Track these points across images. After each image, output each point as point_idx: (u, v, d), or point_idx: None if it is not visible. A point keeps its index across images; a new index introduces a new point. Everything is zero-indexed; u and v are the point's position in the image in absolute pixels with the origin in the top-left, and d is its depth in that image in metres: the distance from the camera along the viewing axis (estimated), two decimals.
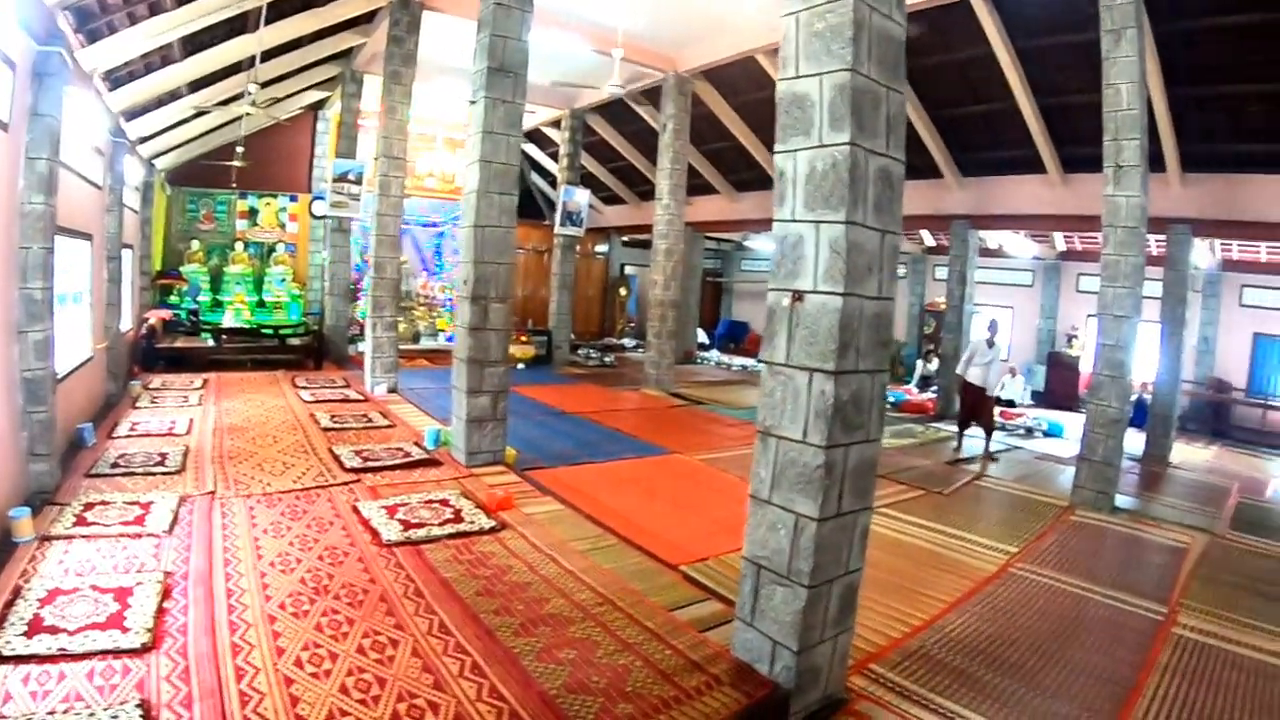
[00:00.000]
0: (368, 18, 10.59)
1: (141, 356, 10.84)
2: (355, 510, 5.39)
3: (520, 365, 14.36)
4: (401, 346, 14.80)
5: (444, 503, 5.66)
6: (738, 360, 18.13)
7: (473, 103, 6.85)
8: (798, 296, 3.32)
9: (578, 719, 3.06)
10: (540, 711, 3.06)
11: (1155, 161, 9.06)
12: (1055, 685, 3.91)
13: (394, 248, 10.31)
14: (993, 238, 13.09)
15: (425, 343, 15.52)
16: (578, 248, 18.69)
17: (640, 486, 6.94)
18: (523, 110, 6.91)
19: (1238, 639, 4.62)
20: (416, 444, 7.53)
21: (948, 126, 10.86)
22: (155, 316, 11.69)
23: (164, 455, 6.40)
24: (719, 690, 3.36)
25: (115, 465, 6.05)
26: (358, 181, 12.02)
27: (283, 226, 14.40)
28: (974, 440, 9.98)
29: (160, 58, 8.47)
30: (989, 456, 9.21)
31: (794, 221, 3.35)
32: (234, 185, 12.86)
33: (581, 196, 14.47)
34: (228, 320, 12.42)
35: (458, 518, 5.35)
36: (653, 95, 12.95)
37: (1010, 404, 13.10)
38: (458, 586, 4.23)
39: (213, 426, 7.72)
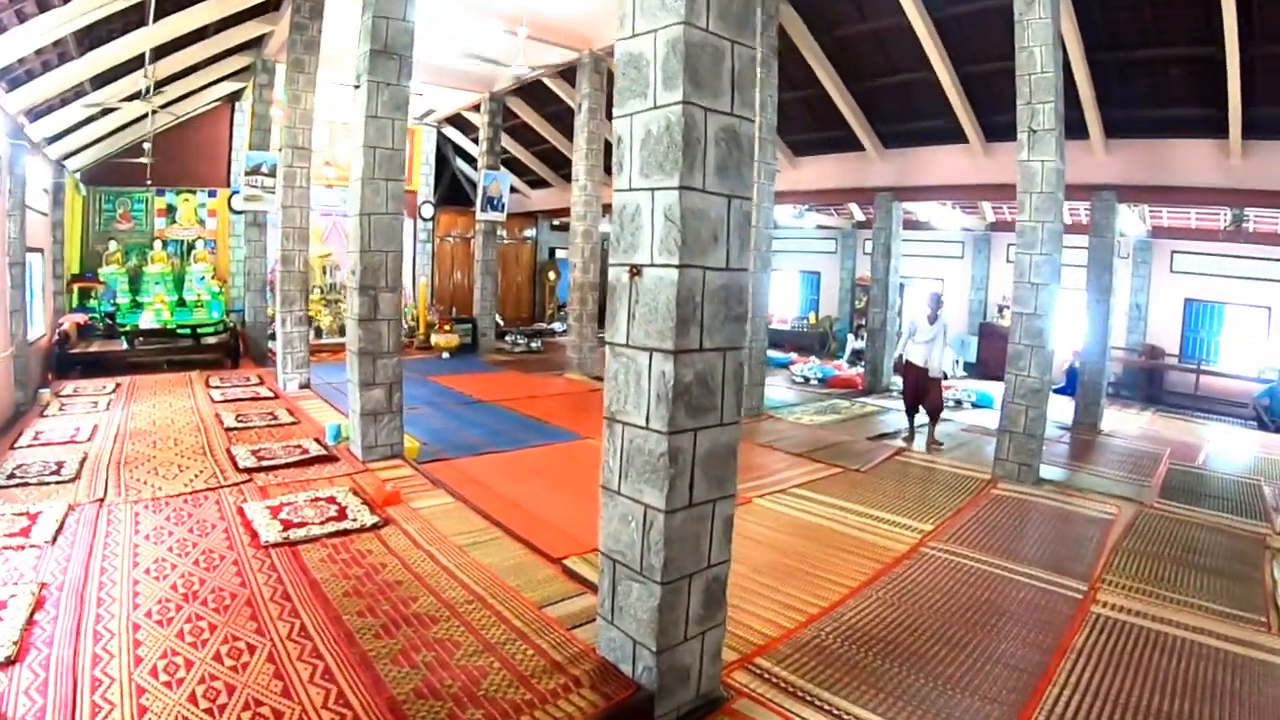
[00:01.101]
0: (275, 4, 9.94)
1: (55, 363, 10.35)
2: (240, 512, 5.14)
3: (445, 355, 13.89)
4: (328, 340, 14.36)
5: (330, 500, 5.42)
6: None
7: (356, 87, 6.41)
8: (635, 271, 2.96)
9: None
10: (383, 719, 2.87)
11: (1078, 129, 8.78)
12: (958, 675, 3.54)
13: (303, 240, 9.77)
14: (920, 210, 12.83)
15: None
16: (504, 232, 18.20)
17: (544, 475, 6.64)
18: (408, 93, 6.46)
19: (1160, 615, 4.29)
20: (317, 440, 7.19)
21: (867, 98, 10.43)
22: (69, 321, 11.03)
23: (61, 464, 6.11)
24: (577, 693, 3.10)
25: (11, 476, 5.75)
26: (271, 174, 11.29)
27: (202, 223, 13.65)
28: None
29: (58, 55, 7.94)
30: (933, 442, 8.29)
31: (630, 190, 2.99)
32: (148, 182, 12.12)
33: (503, 181, 13.93)
34: (146, 321, 11.72)
35: (341, 515, 5.12)
36: (571, 75, 12.42)
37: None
38: (327, 587, 4.02)
39: (116, 432, 7.33)
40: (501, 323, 17.55)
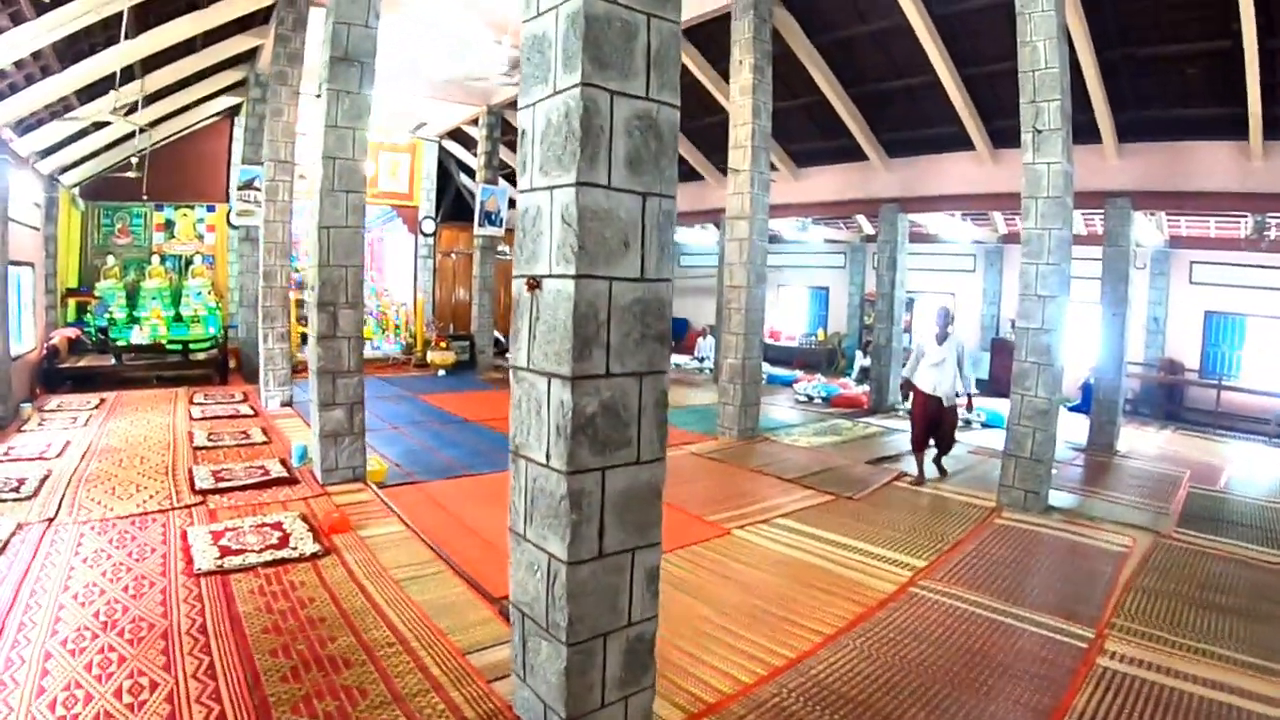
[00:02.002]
0: (264, 18, 9.71)
1: (44, 377, 10.18)
2: (183, 536, 4.91)
3: (440, 373, 13.54)
4: None
5: (276, 526, 5.14)
6: (672, 359, 17.05)
7: (317, 95, 6.13)
8: (533, 283, 2.51)
9: None
10: None
11: (1089, 132, 8.22)
12: None
13: (285, 255, 9.48)
14: (928, 222, 12.28)
15: None
16: (507, 249, 17.87)
17: None
18: (369, 102, 6.14)
19: (1175, 668, 3.73)
20: (283, 462, 6.90)
21: (869, 105, 9.93)
22: (59, 336, 10.86)
23: (22, 480, 5.94)
24: None
25: None
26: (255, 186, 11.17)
27: (200, 238, 13.44)
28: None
29: (40, 69, 7.78)
30: (941, 471, 7.43)
31: (531, 191, 2.55)
32: (144, 197, 11.96)
33: (500, 195, 13.58)
34: (140, 336, 11.57)
35: (282, 543, 4.85)
36: None
37: (964, 401, 12.24)
38: (248, 622, 3.78)
39: (86, 449, 7.17)
40: (503, 340, 17.20)
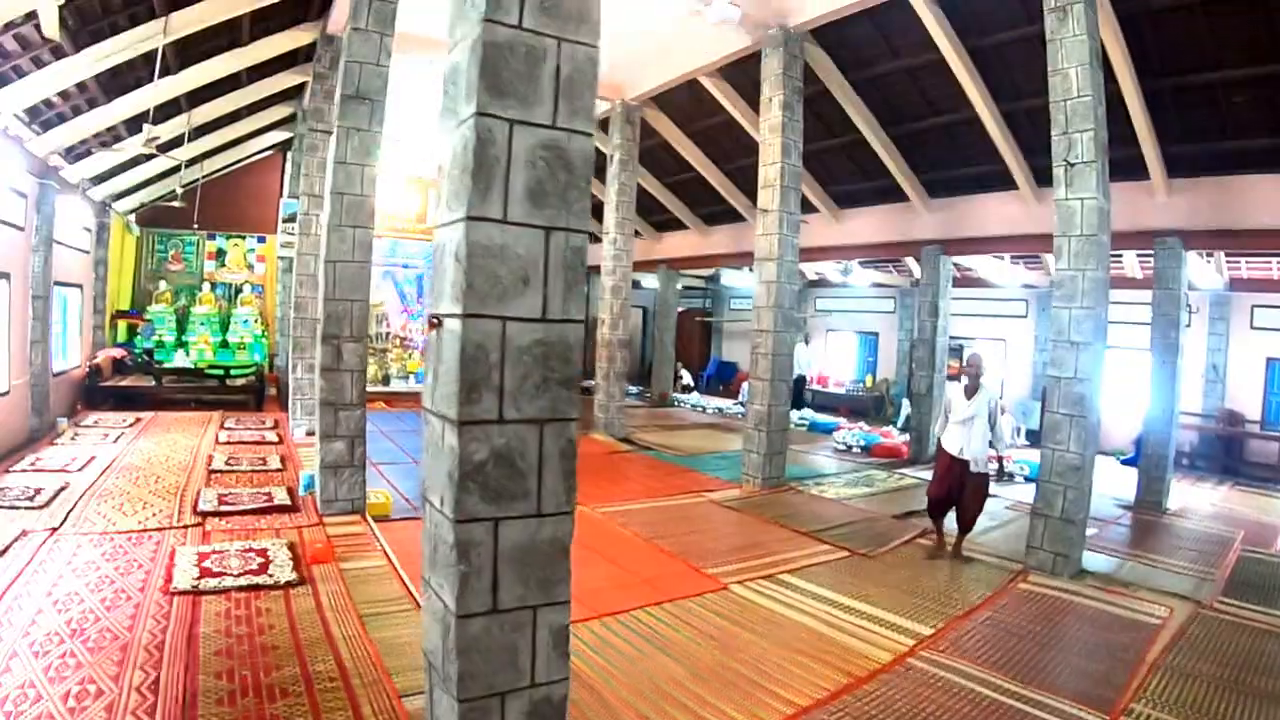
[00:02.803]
0: (307, 54, 10.05)
1: (86, 394, 10.66)
2: (172, 555, 5.05)
3: None
4: (370, 388, 14.26)
5: (261, 552, 5.20)
6: (716, 402, 16.76)
7: (329, 133, 6.22)
8: (435, 322, 2.39)
9: None
10: None
11: (1135, 168, 7.78)
12: None
13: (315, 287, 9.63)
14: (973, 264, 11.81)
15: (395, 384, 14.76)
16: None
17: None
18: (379, 138, 6.28)
19: None
20: (290, 489, 6.95)
21: (907, 143, 9.63)
22: (104, 355, 11.32)
23: (39, 490, 6.24)
24: None
25: None
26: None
27: (250, 268, 13.91)
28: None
29: (86, 100, 8.19)
30: (960, 558, 6.17)
31: (440, 226, 2.45)
32: (194, 226, 12.48)
33: None
34: (182, 360, 12.03)
35: (262, 569, 4.90)
36: (607, 126, 12.14)
37: (996, 469, 11.59)
38: (204, 643, 3.84)
39: (108, 465, 7.47)
40: None
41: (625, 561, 5.82)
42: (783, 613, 4.90)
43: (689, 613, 4.84)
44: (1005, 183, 9.05)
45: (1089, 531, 6.89)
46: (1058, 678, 4.08)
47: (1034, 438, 12.69)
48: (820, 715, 3.62)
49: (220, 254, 13.71)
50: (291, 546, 5.32)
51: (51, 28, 5.80)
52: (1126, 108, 7.16)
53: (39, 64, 6.99)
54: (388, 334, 15.70)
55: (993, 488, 8.92)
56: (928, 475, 9.58)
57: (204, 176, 12.19)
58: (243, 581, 4.65)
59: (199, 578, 4.64)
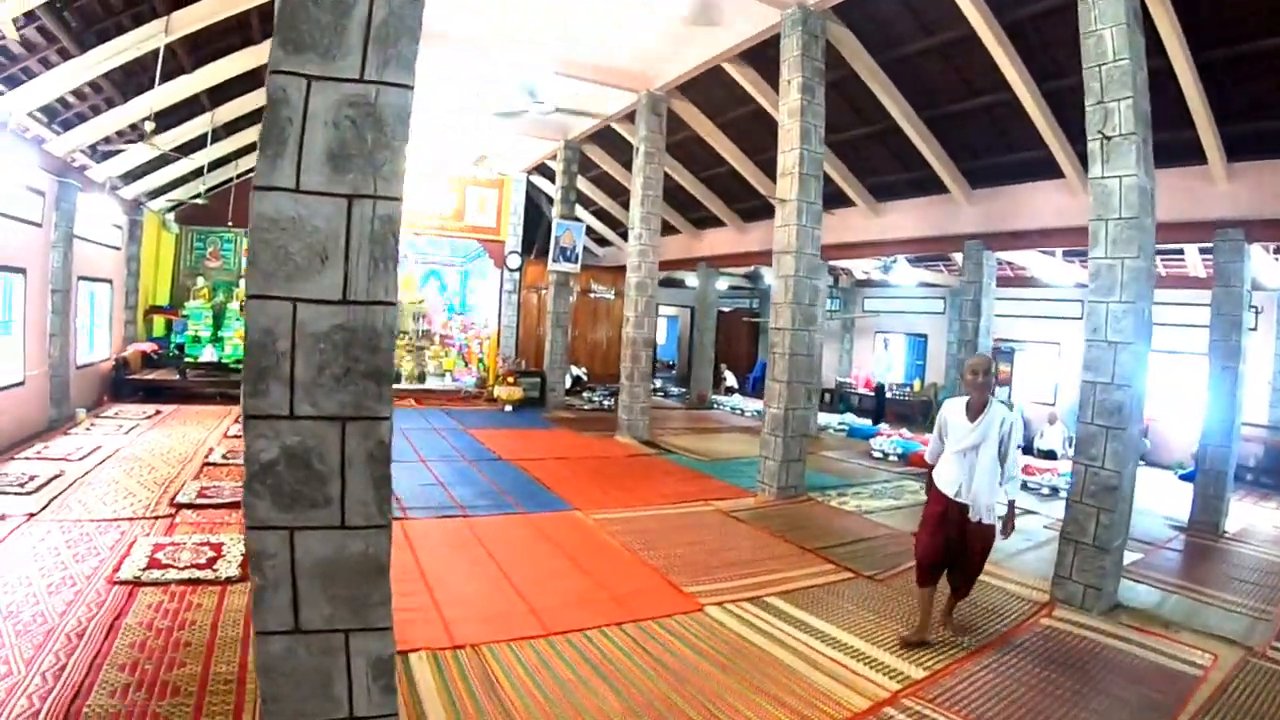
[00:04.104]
0: None
1: (113, 386, 10.83)
2: (131, 545, 5.04)
3: (507, 408, 13.19)
4: (405, 386, 14.13)
5: (216, 547, 5.12)
6: (757, 405, 15.91)
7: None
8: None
9: None
10: None
11: (1192, 152, 6.85)
12: None
13: None
14: (1024, 261, 10.80)
15: (431, 383, 14.60)
16: (600, 287, 17.55)
17: (494, 546, 5.79)
18: None
19: None
20: None
21: (945, 129, 8.80)
22: (134, 349, 11.46)
23: (33, 477, 6.32)
24: None
25: None
26: None
27: None
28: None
29: (105, 100, 8.19)
30: (948, 623, 4.59)
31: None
32: (229, 223, 12.50)
33: (576, 231, 13.23)
34: (209, 355, 12.15)
35: (209, 564, 4.81)
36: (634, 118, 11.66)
37: (1050, 455, 10.56)
38: (123, 634, 3.80)
39: (109, 455, 7.50)
40: (586, 378, 16.80)
41: (600, 574, 5.31)
42: (756, 642, 4.30)
43: (650, 637, 4.30)
44: (1050, 170, 8.16)
45: (1131, 557, 6.05)
46: None
47: None
48: None
49: None
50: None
51: (9, 29, 5.75)
52: (1179, 85, 6.25)
53: (47, 65, 6.96)
54: (427, 331, 15.58)
55: (1037, 504, 8.07)
56: None
57: (237, 175, 12.20)
58: (185, 575, 4.58)
59: (145, 568, 4.61)
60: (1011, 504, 4.29)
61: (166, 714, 3.10)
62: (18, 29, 6.20)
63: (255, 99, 9.82)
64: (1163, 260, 10.23)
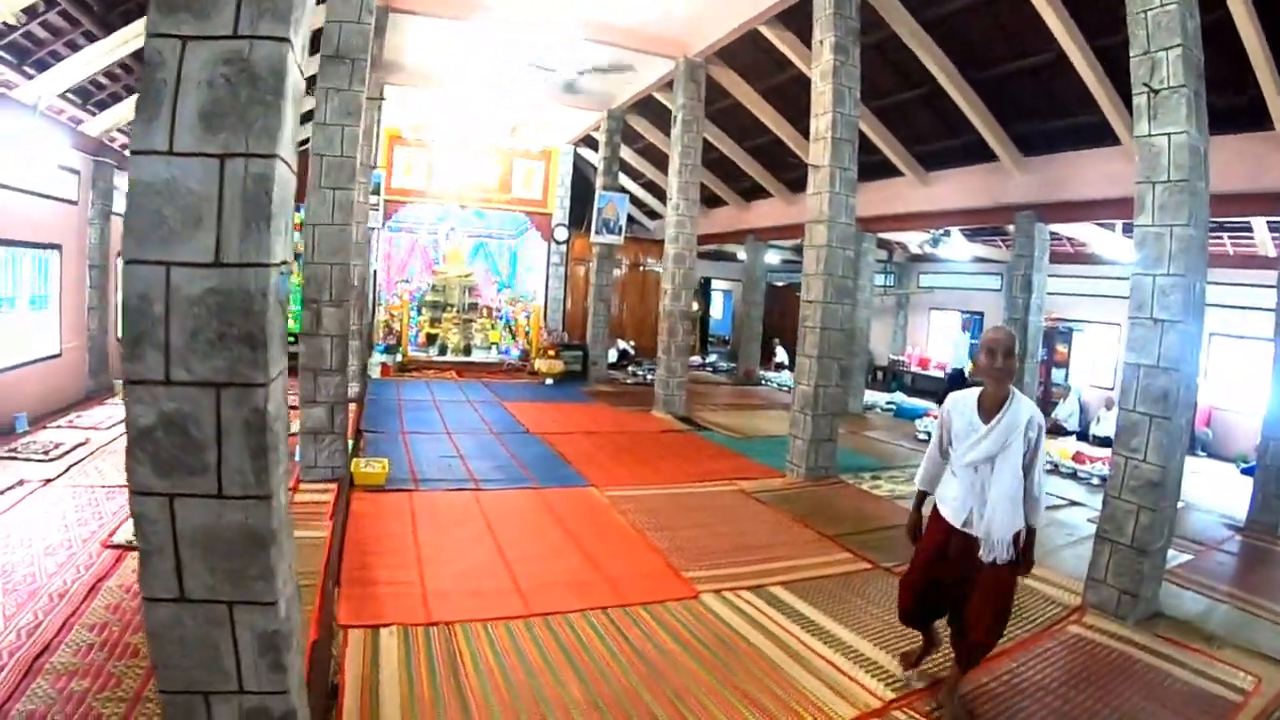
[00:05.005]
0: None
1: None
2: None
3: (548, 381, 13.05)
4: (450, 358, 14.14)
5: None
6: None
7: (310, 94, 5.98)
8: None
9: None
10: None
11: (1259, 114, 6.10)
12: None
13: (359, 254, 9.47)
14: (1081, 235, 9.96)
15: (476, 355, 14.55)
16: (648, 260, 17.18)
17: (496, 521, 5.60)
18: (361, 98, 5.85)
19: None
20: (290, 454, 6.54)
21: (993, 92, 8.06)
22: None
23: (59, 445, 6.43)
24: None
25: (11, 450, 6.15)
26: (376, 191, 11.33)
27: None
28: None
29: (137, 81, 8.29)
30: (955, 699, 3.27)
31: None
32: None
33: (619, 203, 12.90)
34: None
35: None
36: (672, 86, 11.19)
37: (1106, 442, 9.78)
38: (102, 595, 3.81)
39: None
40: (633, 351, 16.54)
41: (599, 554, 5.07)
42: (746, 635, 3.99)
43: (635, 624, 4.04)
44: (1105, 136, 7.41)
45: (1179, 559, 5.52)
46: None
47: None
48: None
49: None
50: None
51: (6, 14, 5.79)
52: (1241, 41, 5.52)
53: (74, 48, 7.02)
54: (476, 304, 15.53)
55: (1084, 495, 7.40)
56: None
57: None
58: None
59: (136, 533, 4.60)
60: (1031, 533, 3.17)
61: (120, 674, 3.08)
62: (39, 15, 6.27)
63: None
64: (1230, 236, 9.29)
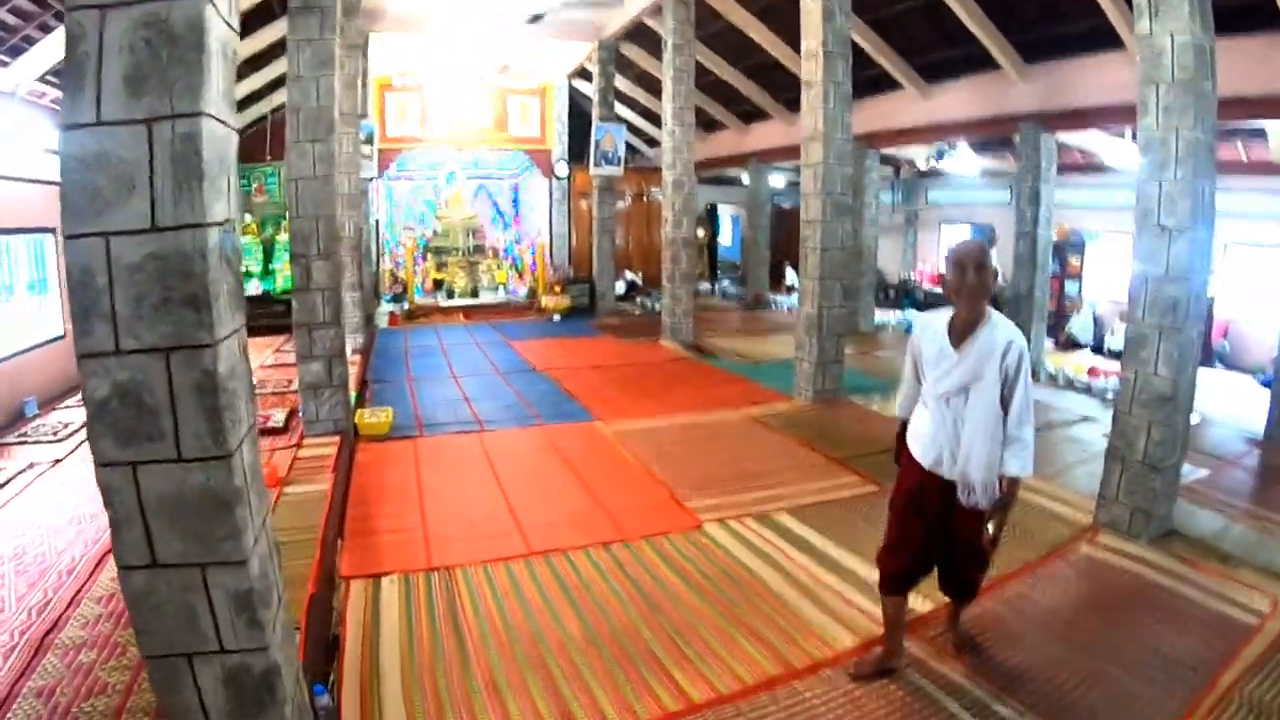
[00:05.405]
0: None
1: None
2: None
3: (555, 318, 12.95)
4: (457, 302, 14.03)
5: None
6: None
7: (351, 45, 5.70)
8: None
9: None
10: None
11: (1267, 13, 5.70)
12: None
13: (353, 205, 9.51)
14: (1088, 144, 9.51)
15: (484, 297, 14.42)
16: (651, 188, 16.80)
17: (495, 464, 5.55)
18: (332, 45, 5.63)
19: None
20: (292, 411, 6.61)
21: None
22: None
23: (67, 425, 6.33)
24: None
25: (23, 434, 6.09)
26: (369, 141, 11.10)
27: None
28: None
29: None
30: (959, 645, 3.16)
31: None
32: (269, 158, 12.43)
33: (617, 133, 12.54)
34: (251, 289, 12.03)
35: None
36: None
37: (1119, 355, 9.51)
38: (109, 567, 3.74)
39: None
40: (641, 282, 16.35)
41: (601, 490, 5.06)
42: (749, 564, 3.97)
43: (636, 558, 4.04)
44: (1109, 41, 6.91)
45: (1196, 474, 5.30)
46: (1069, 700, 2.80)
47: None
48: (709, 718, 2.72)
49: None
50: None
51: None
52: None
53: (47, 30, 6.75)
54: (481, 246, 15.31)
55: (1097, 410, 7.18)
56: None
57: (271, 111, 12.01)
58: None
59: None
60: (1014, 483, 2.71)
61: (126, 642, 3.08)
62: (6, 2, 6.03)
63: (276, 30, 9.44)
64: (1244, 142, 8.83)
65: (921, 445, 2.85)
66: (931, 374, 2.79)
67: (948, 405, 2.74)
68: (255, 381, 7.60)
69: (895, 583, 2.95)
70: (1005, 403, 2.66)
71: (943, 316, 2.79)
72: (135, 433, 1.85)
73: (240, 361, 2.07)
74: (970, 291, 2.64)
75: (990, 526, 2.75)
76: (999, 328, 2.66)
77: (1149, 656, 3.09)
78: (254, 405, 2.24)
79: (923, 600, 3.44)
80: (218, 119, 1.87)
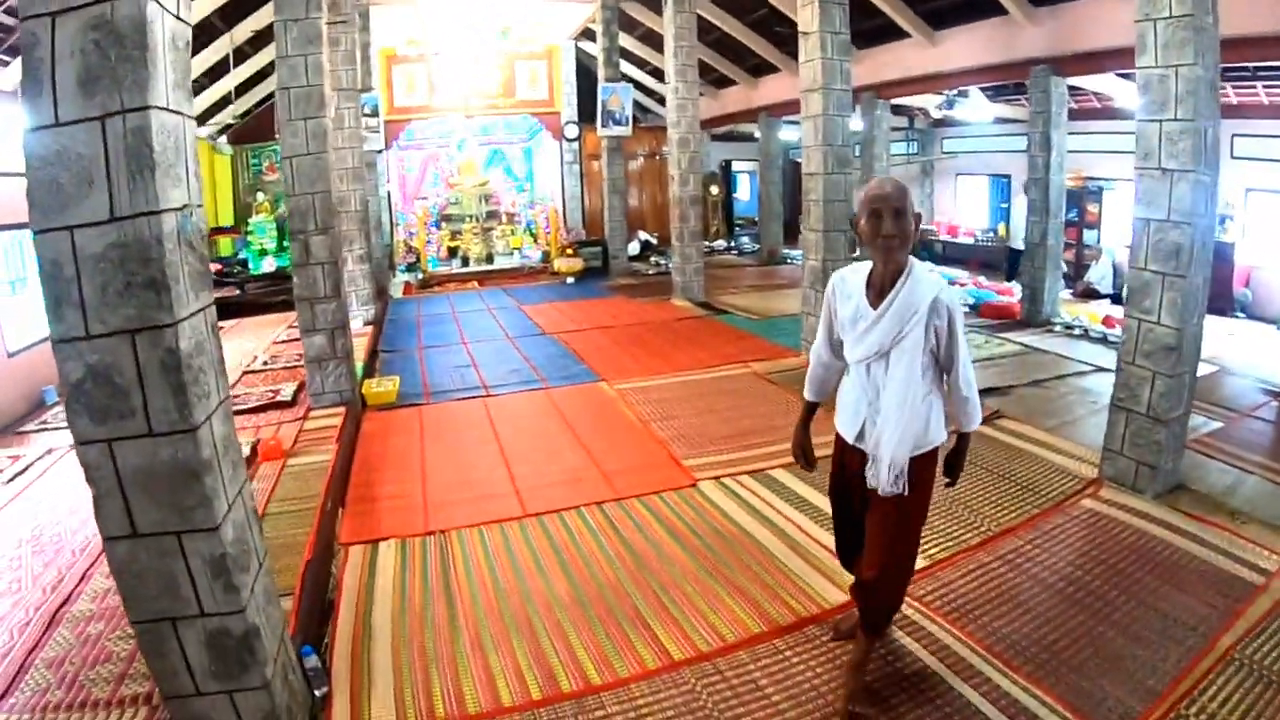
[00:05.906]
0: None
1: None
2: None
3: (569, 280, 12.91)
4: (472, 269, 14.02)
5: None
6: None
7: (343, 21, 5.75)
8: None
9: None
10: None
11: None
12: None
13: (357, 179, 9.46)
14: (1103, 88, 9.11)
15: (499, 262, 14.39)
16: (665, 148, 16.55)
17: (497, 428, 5.60)
18: (319, 24, 5.58)
19: None
20: (301, 385, 6.49)
21: None
22: None
23: None
24: None
25: (43, 422, 6.15)
26: (374, 114, 11.04)
27: None
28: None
29: None
30: (869, 632, 2.59)
31: None
32: (276, 136, 12.38)
33: (624, 93, 12.33)
34: (267, 266, 12.11)
35: None
36: None
37: (1117, 300, 9.24)
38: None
39: None
40: (655, 242, 16.21)
41: (600, 449, 5.08)
42: (742, 523, 3.97)
43: (628, 517, 4.08)
44: None
45: (1209, 426, 5.13)
46: (1061, 660, 2.73)
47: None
48: (687, 676, 2.74)
49: None
50: (255, 444, 4.95)
51: None
52: None
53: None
54: (495, 212, 15.22)
55: (1106, 358, 6.96)
56: (1038, 343, 7.68)
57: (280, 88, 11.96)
58: None
59: None
60: (964, 439, 2.54)
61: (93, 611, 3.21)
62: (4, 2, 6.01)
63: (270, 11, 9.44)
64: (1264, 86, 8.40)
65: (843, 417, 2.54)
66: (848, 337, 2.42)
67: (868, 372, 2.38)
68: (268, 358, 7.74)
69: (844, 562, 2.90)
70: (945, 367, 2.36)
71: (861, 270, 2.41)
72: (109, 411, 1.97)
73: (209, 339, 2.16)
74: (887, 242, 2.22)
75: (945, 480, 2.58)
76: (922, 282, 2.25)
77: (1149, 616, 3.00)
78: (225, 379, 2.30)
79: (924, 560, 3.41)
80: (170, 109, 1.96)
